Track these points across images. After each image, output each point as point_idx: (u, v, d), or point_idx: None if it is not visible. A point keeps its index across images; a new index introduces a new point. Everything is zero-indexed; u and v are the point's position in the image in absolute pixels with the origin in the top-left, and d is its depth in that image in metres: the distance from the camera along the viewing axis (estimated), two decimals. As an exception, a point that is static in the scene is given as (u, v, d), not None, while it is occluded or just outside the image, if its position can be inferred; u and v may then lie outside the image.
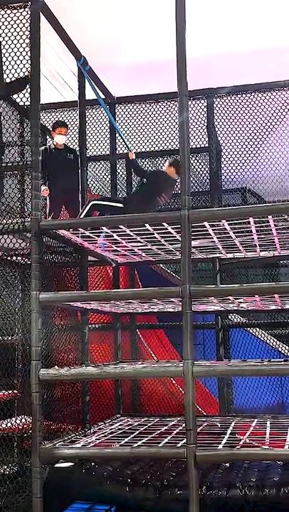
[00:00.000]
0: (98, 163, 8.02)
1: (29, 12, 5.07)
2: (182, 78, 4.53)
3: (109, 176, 7.58)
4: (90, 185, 8.03)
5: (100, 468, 5.61)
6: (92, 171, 7.91)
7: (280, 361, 6.16)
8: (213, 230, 5.15)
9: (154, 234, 5.14)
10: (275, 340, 8.29)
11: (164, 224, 4.86)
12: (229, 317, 7.41)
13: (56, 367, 5.19)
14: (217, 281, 6.84)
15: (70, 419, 5.95)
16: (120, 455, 4.85)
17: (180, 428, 5.48)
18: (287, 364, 5.07)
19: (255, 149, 7.52)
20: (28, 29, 5.05)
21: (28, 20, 5.06)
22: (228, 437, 5.13)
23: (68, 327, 6.12)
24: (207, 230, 5.06)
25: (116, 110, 7.68)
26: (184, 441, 4.41)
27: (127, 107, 7.74)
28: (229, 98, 7.49)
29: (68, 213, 6.75)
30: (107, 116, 7.42)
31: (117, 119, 7.66)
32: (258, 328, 8.19)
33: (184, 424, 4.63)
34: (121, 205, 6.27)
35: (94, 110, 7.60)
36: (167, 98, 7.57)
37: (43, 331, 4.89)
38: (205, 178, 7.67)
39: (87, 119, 7.16)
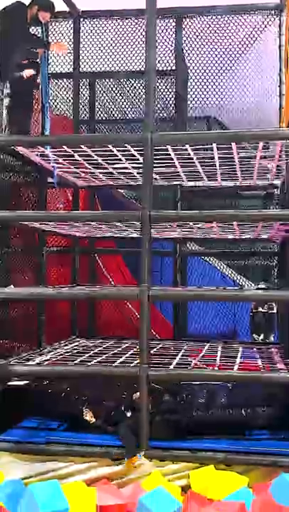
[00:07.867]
0: (60, 81, 7.68)
1: None
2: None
3: (71, 96, 7.32)
4: (52, 105, 7.72)
5: (53, 386, 5.69)
6: (53, 89, 7.59)
7: (235, 289, 6.29)
8: (176, 155, 5.08)
9: (116, 155, 5.03)
10: (232, 270, 8.41)
11: (128, 146, 4.76)
12: (187, 245, 7.44)
13: (12, 286, 5.17)
14: (177, 209, 6.82)
15: (25, 338, 5.99)
16: (74, 373, 4.92)
17: (134, 350, 5.58)
18: (241, 290, 5.17)
19: (223, 76, 7.33)
20: None
21: None
22: (180, 359, 5.26)
23: (26, 248, 6.05)
24: (170, 155, 4.98)
25: (81, 25, 7.31)
26: (138, 361, 4.50)
27: (92, 23, 7.38)
28: (200, 19, 7.20)
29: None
30: (71, 31, 7.11)
31: (82, 34, 7.30)
32: (215, 258, 8.29)
33: (138, 346, 4.70)
34: None
35: (58, 24, 7.22)
36: (135, 15, 7.23)
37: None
38: (170, 103, 7.47)
39: (49, 32, 6.82)
